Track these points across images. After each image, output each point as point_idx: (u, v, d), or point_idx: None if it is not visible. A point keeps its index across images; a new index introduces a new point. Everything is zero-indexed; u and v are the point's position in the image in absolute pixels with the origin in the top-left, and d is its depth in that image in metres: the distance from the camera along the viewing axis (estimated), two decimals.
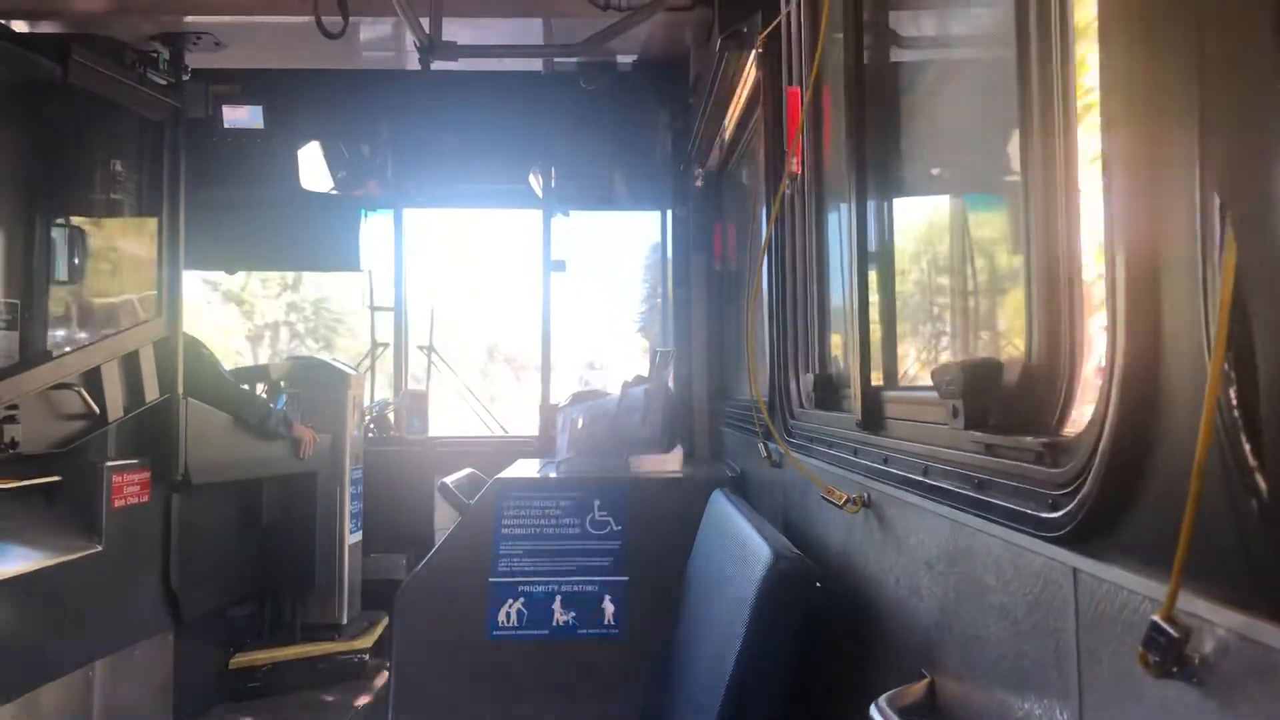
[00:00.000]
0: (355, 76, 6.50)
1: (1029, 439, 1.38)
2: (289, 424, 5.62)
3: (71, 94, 4.48)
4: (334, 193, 6.84)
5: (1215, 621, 0.90)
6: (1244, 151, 0.84)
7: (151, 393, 4.77)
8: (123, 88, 4.72)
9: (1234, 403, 0.85)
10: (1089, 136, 1.39)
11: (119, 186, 5.12)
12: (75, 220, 4.95)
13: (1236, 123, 0.86)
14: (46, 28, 4.99)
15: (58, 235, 4.83)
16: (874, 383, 2.31)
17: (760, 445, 3.54)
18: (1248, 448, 0.83)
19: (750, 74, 3.96)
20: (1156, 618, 0.95)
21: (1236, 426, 0.84)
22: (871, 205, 2.41)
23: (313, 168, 6.67)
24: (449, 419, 7.78)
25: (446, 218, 9.64)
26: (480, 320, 15.07)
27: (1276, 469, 0.80)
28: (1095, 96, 1.18)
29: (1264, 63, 0.80)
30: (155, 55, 4.99)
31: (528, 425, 7.30)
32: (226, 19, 5.13)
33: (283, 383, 6.20)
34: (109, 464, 4.44)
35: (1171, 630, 0.93)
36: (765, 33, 3.46)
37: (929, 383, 1.77)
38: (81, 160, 4.99)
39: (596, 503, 4.11)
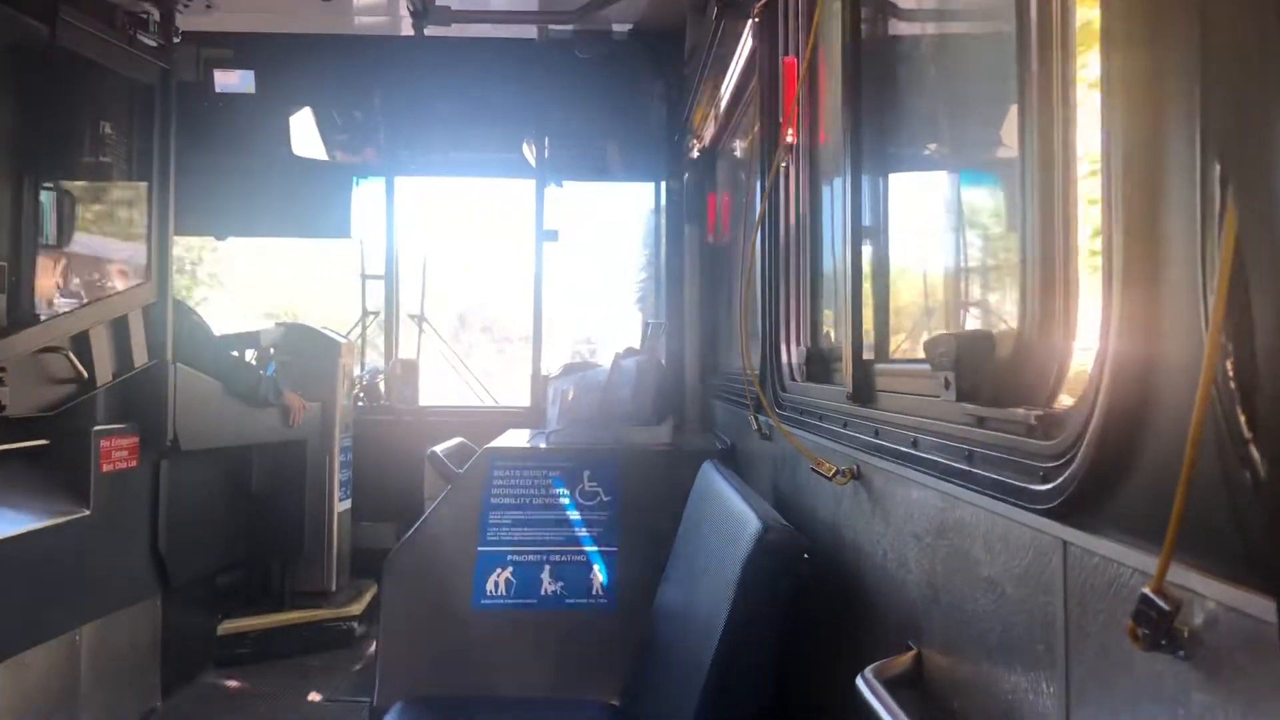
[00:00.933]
0: (348, 42, 6.44)
1: (1021, 411, 1.38)
2: (279, 391, 5.60)
3: (59, 55, 4.43)
4: (326, 159, 6.80)
5: (1206, 594, 0.90)
6: (1246, 121, 0.83)
7: (140, 358, 4.74)
8: (112, 49, 4.66)
9: (1230, 374, 0.84)
10: (1089, 107, 1.38)
11: (108, 150, 5.07)
12: (64, 183, 4.91)
13: (1238, 93, 0.85)
14: None
15: (46, 198, 4.79)
16: (865, 356, 2.31)
17: (751, 418, 3.54)
18: (1243, 419, 0.82)
19: (746, 44, 3.93)
20: (1147, 590, 0.94)
21: (1233, 398, 0.84)
22: (866, 178, 2.39)
23: (305, 134, 6.63)
24: (437, 388, 7.77)
25: (439, 186, 9.58)
26: (464, 289, 14.76)
27: (1272, 441, 0.79)
28: (1095, 70, 1.17)
29: (1267, 30, 0.79)
30: (145, 17, 4.93)
31: (518, 396, 7.30)
32: None
33: (273, 349, 6.17)
34: (97, 428, 4.42)
35: (1162, 603, 0.93)
36: (763, 1, 3.43)
37: (921, 356, 1.76)
38: (70, 123, 4.94)
39: (586, 473, 4.11)
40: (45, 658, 4.05)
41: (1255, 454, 0.81)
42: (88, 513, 4.28)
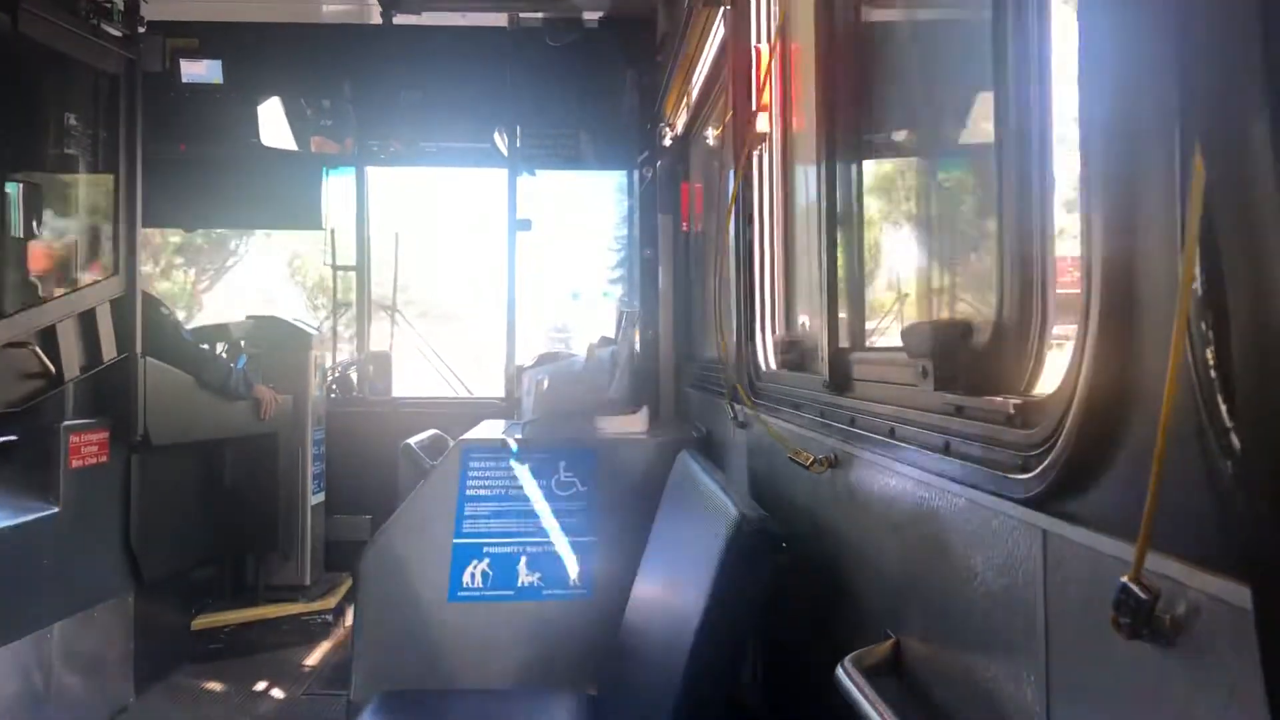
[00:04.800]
0: (317, 30, 6.38)
1: (999, 400, 1.37)
2: (250, 384, 5.55)
3: (22, 45, 4.35)
4: (295, 150, 6.73)
5: (1187, 583, 0.90)
6: (1223, 110, 0.82)
7: (109, 352, 4.69)
8: (76, 39, 4.59)
9: (1210, 363, 0.83)
10: (1066, 90, 1.38)
11: (74, 142, 5.00)
12: (30, 176, 4.84)
13: (1216, 80, 0.84)
14: None
15: (12, 190, 4.72)
16: (842, 344, 2.31)
17: (727, 406, 3.54)
18: (1224, 408, 0.82)
19: (718, 31, 3.91)
20: (1125, 579, 0.94)
21: (1213, 387, 0.83)
22: (840, 165, 2.38)
23: (273, 124, 6.56)
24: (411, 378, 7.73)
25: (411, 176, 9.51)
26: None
27: (1251, 430, 0.79)
28: (1073, 55, 1.16)
29: (1242, 17, 0.78)
30: (109, 5, 4.85)
31: (490, 387, 7.27)
32: None
33: (243, 342, 6.12)
34: (66, 424, 4.36)
35: (1140, 592, 0.92)
36: None
37: (898, 344, 1.76)
38: (34, 115, 4.86)
39: (562, 464, 4.09)
40: (15, 657, 4.00)
41: (1235, 443, 0.80)
42: (57, 509, 4.22)
